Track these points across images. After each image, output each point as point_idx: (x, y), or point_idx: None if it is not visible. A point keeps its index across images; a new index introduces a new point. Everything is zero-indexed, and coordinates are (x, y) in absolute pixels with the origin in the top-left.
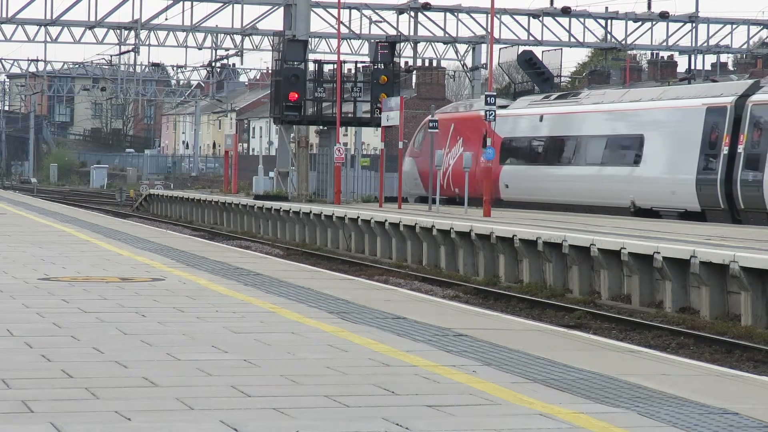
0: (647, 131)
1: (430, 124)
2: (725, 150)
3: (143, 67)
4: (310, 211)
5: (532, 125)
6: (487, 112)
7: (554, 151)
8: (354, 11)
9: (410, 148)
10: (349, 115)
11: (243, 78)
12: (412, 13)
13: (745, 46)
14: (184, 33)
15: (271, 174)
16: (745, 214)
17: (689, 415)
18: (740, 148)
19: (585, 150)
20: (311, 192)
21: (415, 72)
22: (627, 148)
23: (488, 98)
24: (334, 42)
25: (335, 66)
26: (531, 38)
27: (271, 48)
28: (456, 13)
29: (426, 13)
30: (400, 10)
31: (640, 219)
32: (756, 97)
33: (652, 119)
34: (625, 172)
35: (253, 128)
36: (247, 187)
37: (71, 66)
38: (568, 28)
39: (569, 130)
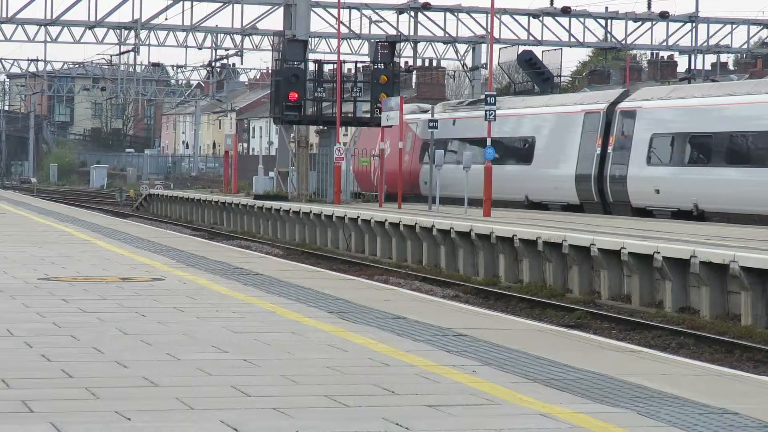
0: (537, 134)
1: (430, 124)
2: (598, 150)
3: (143, 67)
4: (310, 211)
5: (446, 129)
6: (487, 113)
7: (463, 151)
8: (354, 11)
9: (349, 149)
10: (349, 115)
11: (243, 78)
12: (412, 13)
13: (745, 46)
14: (184, 33)
15: (271, 174)
16: (614, 206)
17: (689, 415)
18: (610, 149)
19: (502, 150)
20: (311, 192)
21: (415, 72)
22: (521, 149)
23: (488, 98)
24: (334, 42)
25: (335, 66)
26: (531, 38)
27: (271, 48)
28: (456, 13)
29: (426, 13)
30: (400, 10)
31: (640, 219)
32: (623, 105)
33: (541, 123)
34: (519, 170)
35: (253, 128)
36: (247, 187)
37: (71, 66)
38: (568, 28)
39: (475, 133)
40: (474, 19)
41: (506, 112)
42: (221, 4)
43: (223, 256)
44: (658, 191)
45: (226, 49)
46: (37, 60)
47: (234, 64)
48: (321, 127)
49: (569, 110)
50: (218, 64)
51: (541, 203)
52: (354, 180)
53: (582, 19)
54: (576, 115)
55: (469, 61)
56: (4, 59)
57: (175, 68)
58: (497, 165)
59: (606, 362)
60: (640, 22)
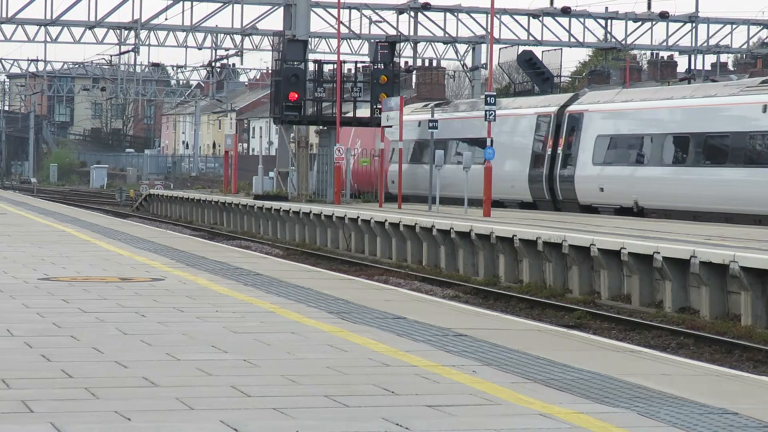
0: (495, 135)
1: (430, 124)
2: (549, 151)
3: (143, 67)
4: (310, 211)
5: (412, 130)
6: (487, 112)
7: (428, 152)
8: (354, 11)
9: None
10: (348, 115)
11: (243, 78)
12: (412, 13)
13: (745, 46)
14: (184, 33)
15: (271, 174)
16: (563, 204)
17: (689, 415)
18: (559, 150)
19: (452, 151)
20: (311, 192)
21: (415, 72)
22: (481, 149)
23: (488, 98)
24: (334, 42)
25: (335, 66)
26: (531, 38)
27: (271, 48)
28: (456, 13)
29: (426, 13)
30: (400, 10)
31: (639, 219)
32: (571, 107)
33: (500, 125)
34: (479, 169)
35: (253, 128)
36: (247, 187)
37: (71, 66)
38: (568, 28)
39: (440, 134)
40: (474, 19)
41: (471, 114)
42: (221, 4)
43: (223, 256)
44: (602, 189)
45: (226, 49)
46: (37, 60)
47: (234, 64)
48: (321, 127)
49: (524, 113)
50: (218, 64)
51: (498, 201)
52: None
53: (582, 19)
54: (529, 117)
55: (469, 61)
56: (4, 59)
57: (175, 68)
58: (459, 165)
59: (606, 362)
60: (640, 22)
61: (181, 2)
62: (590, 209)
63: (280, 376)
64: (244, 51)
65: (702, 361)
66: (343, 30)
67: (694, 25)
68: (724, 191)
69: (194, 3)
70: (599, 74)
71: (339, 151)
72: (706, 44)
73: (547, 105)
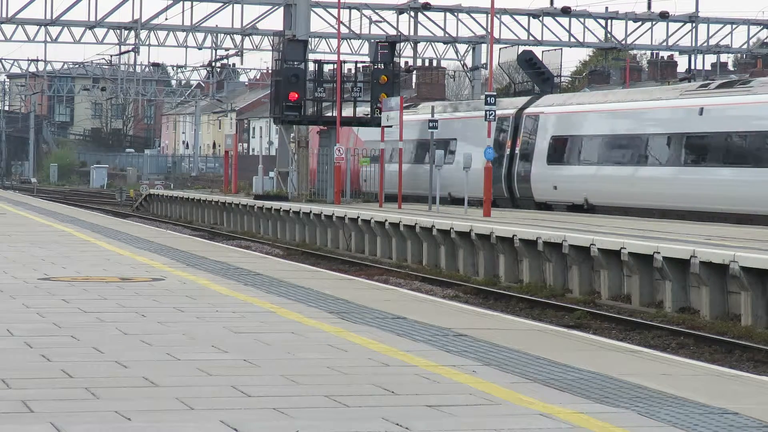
0: (458, 136)
1: (430, 124)
2: (507, 151)
3: (143, 67)
4: (310, 211)
5: (385, 131)
6: (487, 112)
7: (396, 152)
8: (354, 11)
9: None
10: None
11: (243, 78)
12: (412, 13)
13: (745, 46)
14: (184, 33)
15: (271, 174)
16: (521, 201)
17: (689, 415)
18: (517, 150)
19: (417, 151)
20: (311, 192)
21: (415, 72)
22: (445, 149)
23: (488, 98)
24: (334, 42)
25: (335, 66)
26: (531, 38)
27: (271, 48)
28: (456, 13)
29: (426, 13)
30: (400, 10)
31: (639, 219)
32: (529, 110)
33: (464, 127)
34: (444, 168)
35: (253, 128)
36: (247, 187)
37: (71, 66)
38: (568, 28)
39: (406, 136)
40: (474, 19)
41: (443, 116)
42: (221, 4)
43: (223, 256)
44: (555, 188)
45: (226, 49)
46: (37, 60)
47: (234, 64)
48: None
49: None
50: (218, 64)
51: (461, 199)
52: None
53: (582, 19)
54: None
55: (469, 61)
56: (4, 59)
57: (175, 68)
58: (426, 165)
59: (606, 362)
60: (640, 22)
61: (181, 2)
62: (545, 206)
63: (280, 376)
64: (244, 51)
65: (702, 361)
66: (343, 30)
67: (694, 25)
68: (664, 189)
69: (194, 3)
70: (599, 74)
71: (339, 151)
72: (706, 44)
73: (507, 107)
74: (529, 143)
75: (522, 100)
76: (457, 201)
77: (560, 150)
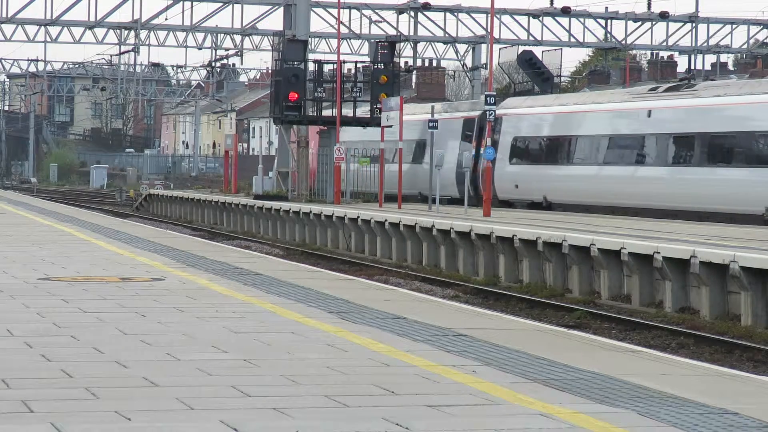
0: (428, 137)
1: (430, 124)
2: (473, 151)
3: (143, 67)
4: (310, 211)
5: (361, 132)
6: (487, 112)
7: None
8: (354, 11)
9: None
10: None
11: (243, 78)
12: (412, 13)
13: (745, 46)
14: (184, 33)
15: (271, 174)
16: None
17: (689, 415)
18: (482, 150)
19: (394, 151)
20: (311, 192)
21: (415, 72)
22: (416, 150)
23: (488, 98)
24: (334, 42)
25: (335, 66)
26: (531, 38)
27: (271, 48)
28: (456, 13)
29: (426, 13)
30: (400, 10)
31: (640, 219)
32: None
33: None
34: (414, 168)
35: (253, 128)
36: (247, 187)
37: (71, 66)
38: (568, 28)
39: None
40: (474, 19)
41: (410, 119)
42: (221, 4)
43: (223, 256)
44: (517, 186)
45: (226, 49)
46: (37, 60)
47: (234, 64)
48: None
49: (452, 116)
50: (218, 64)
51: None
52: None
53: (582, 19)
54: (457, 121)
55: (469, 61)
56: (4, 59)
57: (175, 68)
58: (396, 164)
59: (606, 362)
60: (640, 22)
61: (181, 2)
62: (507, 204)
63: (280, 376)
64: (244, 51)
65: (702, 361)
66: (343, 30)
67: (694, 25)
68: (617, 187)
69: (194, 3)
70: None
71: (339, 151)
72: (706, 44)
73: (472, 110)
74: (492, 144)
75: None
76: (426, 199)
77: (521, 150)
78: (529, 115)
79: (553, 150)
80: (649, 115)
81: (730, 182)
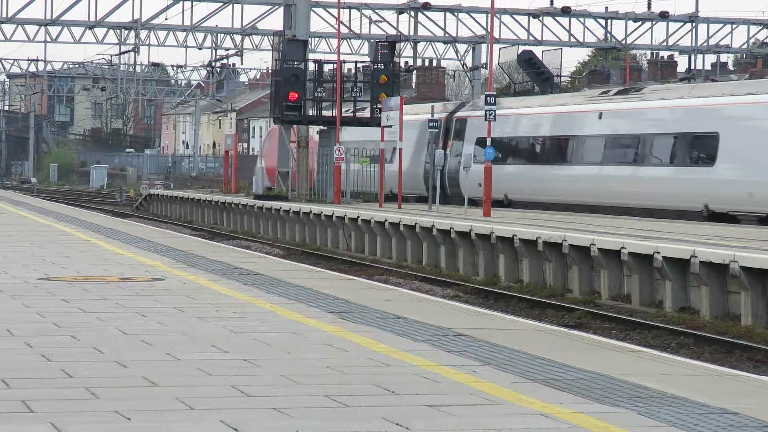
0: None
1: (430, 124)
2: (449, 150)
3: (143, 67)
4: (310, 211)
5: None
6: (487, 112)
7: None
8: (354, 11)
9: (261, 150)
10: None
11: (243, 78)
12: (412, 13)
13: (745, 46)
14: (184, 33)
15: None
16: (452, 198)
17: (689, 415)
18: (448, 150)
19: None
20: (311, 192)
21: (415, 72)
22: (388, 152)
23: (488, 98)
24: (334, 42)
25: (335, 66)
26: (531, 38)
27: (271, 48)
28: (456, 13)
29: (426, 12)
30: (400, 10)
31: (640, 219)
32: (458, 114)
33: (405, 129)
34: (386, 168)
35: (253, 128)
36: (247, 187)
37: (71, 66)
38: (568, 28)
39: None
40: (474, 19)
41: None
42: (221, 4)
43: (223, 256)
44: (480, 185)
45: (226, 49)
46: (37, 60)
47: (234, 64)
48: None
49: (421, 118)
50: (218, 64)
51: (403, 195)
52: (266, 176)
53: (582, 19)
54: (425, 122)
55: (469, 61)
56: (4, 59)
57: (175, 68)
58: (373, 164)
59: (606, 362)
60: (640, 22)
61: (181, 2)
62: (472, 202)
63: (280, 376)
64: (244, 51)
65: (702, 361)
66: (343, 30)
67: (694, 25)
68: (571, 186)
69: (194, 3)
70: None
71: (339, 151)
72: (706, 44)
73: (440, 112)
74: (458, 144)
75: (453, 105)
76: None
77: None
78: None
79: (513, 150)
80: (600, 117)
81: (671, 181)
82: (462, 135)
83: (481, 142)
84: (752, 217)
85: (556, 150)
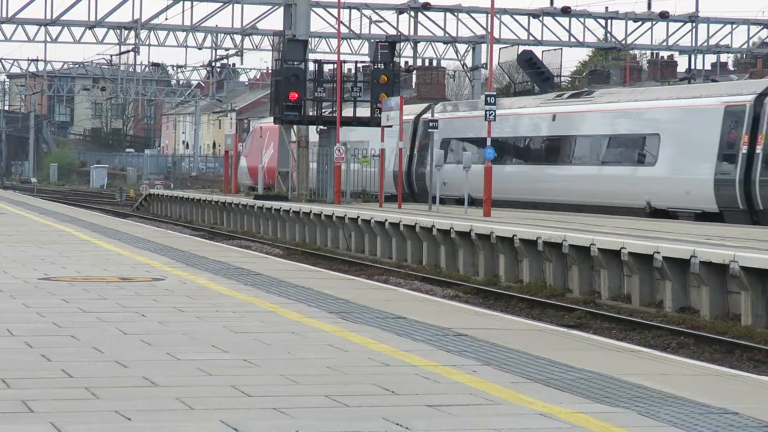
0: (371, 138)
1: (430, 124)
2: (408, 152)
3: (143, 67)
4: (310, 211)
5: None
6: (487, 112)
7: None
8: (354, 11)
9: (243, 149)
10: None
11: (243, 78)
12: (412, 13)
13: (745, 46)
14: (184, 33)
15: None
16: (419, 196)
17: (689, 415)
18: (416, 151)
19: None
20: (311, 192)
21: (415, 72)
22: (366, 151)
23: (488, 98)
24: (334, 42)
25: (335, 66)
26: (531, 38)
27: (271, 48)
28: (456, 13)
29: (426, 13)
30: (400, 10)
31: (640, 219)
32: (425, 116)
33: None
34: (366, 168)
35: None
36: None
37: (71, 66)
38: (568, 28)
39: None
40: (474, 19)
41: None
42: (221, 4)
43: (223, 256)
44: (445, 184)
45: (226, 49)
46: (37, 60)
47: (234, 64)
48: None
49: (404, 119)
50: (218, 64)
51: (374, 195)
52: (248, 175)
53: (582, 19)
54: (407, 123)
55: (469, 61)
56: (4, 59)
57: (175, 68)
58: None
59: (606, 362)
60: (640, 22)
61: (181, 2)
62: (441, 201)
63: (280, 376)
64: (244, 51)
65: (702, 361)
66: (343, 30)
67: (694, 25)
68: (526, 185)
69: (194, 3)
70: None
71: (339, 151)
72: (706, 44)
73: (409, 114)
74: (425, 145)
75: (420, 107)
76: (374, 197)
77: (448, 150)
78: (455, 119)
79: (473, 150)
80: (553, 119)
81: (616, 179)
82: (428, 136)
83: (444, 143)
84: (689, 214)
85: (513, 150)
